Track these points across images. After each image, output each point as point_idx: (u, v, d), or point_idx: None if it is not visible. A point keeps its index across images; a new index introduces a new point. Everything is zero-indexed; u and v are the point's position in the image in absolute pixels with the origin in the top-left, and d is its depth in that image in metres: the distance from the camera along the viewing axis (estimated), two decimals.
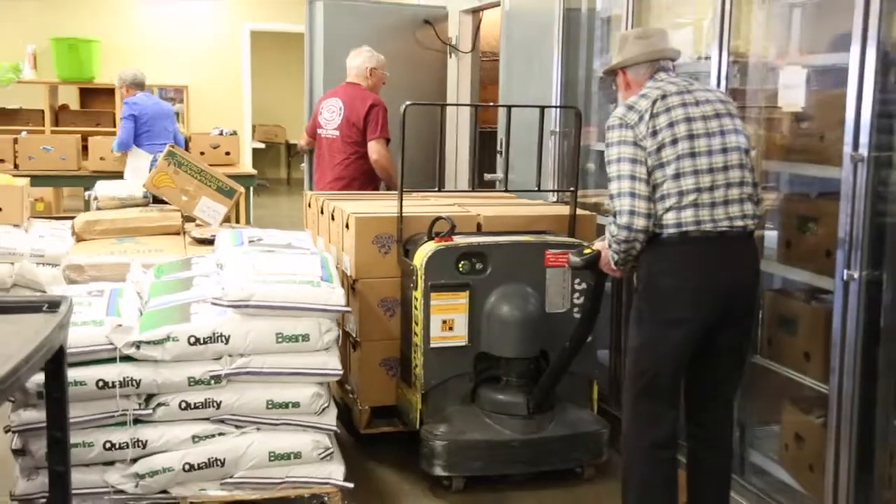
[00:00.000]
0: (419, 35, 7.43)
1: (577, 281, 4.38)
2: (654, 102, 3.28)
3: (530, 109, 5.69)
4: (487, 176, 6.38)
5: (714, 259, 3.29)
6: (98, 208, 5.91)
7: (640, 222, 3.22)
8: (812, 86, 3.57)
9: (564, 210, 4.85)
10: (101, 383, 3.56)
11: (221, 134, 9.63)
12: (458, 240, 4.30)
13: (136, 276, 4.56)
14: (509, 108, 4.96)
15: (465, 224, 4.58)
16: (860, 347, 3.23)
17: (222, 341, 3.69)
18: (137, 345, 3.61)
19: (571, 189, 4.78)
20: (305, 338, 3.79)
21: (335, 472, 3.88)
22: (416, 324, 4.25)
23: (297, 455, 3.82)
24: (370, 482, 4.16)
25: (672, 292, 3.30)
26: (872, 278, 3.17)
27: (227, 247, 4.45)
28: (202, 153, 9.31)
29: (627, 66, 3.48)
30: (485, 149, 7.45)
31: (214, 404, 3.73)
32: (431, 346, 4.23)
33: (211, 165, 9.38)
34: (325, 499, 3.92)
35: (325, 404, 3.87)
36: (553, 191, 5.34)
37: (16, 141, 8.41)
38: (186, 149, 8.27)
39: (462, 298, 4.25)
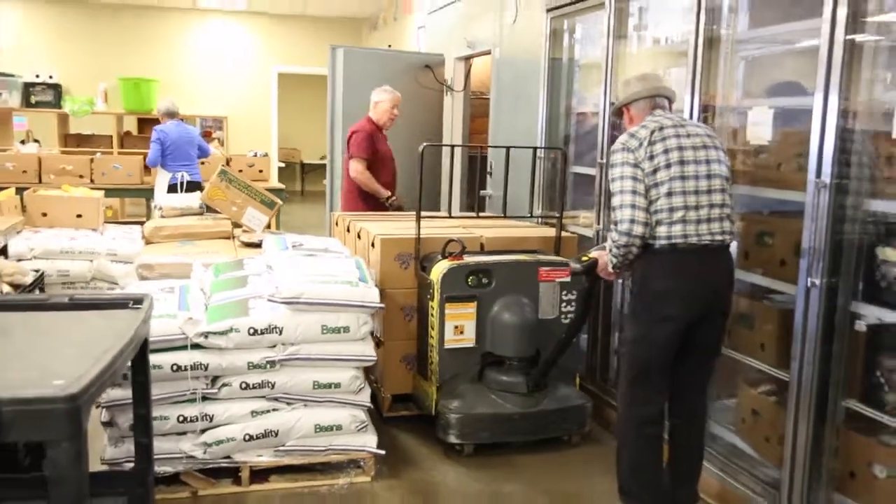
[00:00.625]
0: (420, 77, 7.21)
1: (564, 293, 4.24)
2: (652, 132, 3.14)
3: (522, 137, 5.55)
4: (482, 192, 6.16)
5: (697, 267, 3.16)
6: (162, 216, 5.66)
7: (638, 229, 3.07)
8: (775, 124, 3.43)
9: (550, 231, 4.69)
10: (175, 367, 3.37)
11: (255, 156, 9.39)
12: (468, 259, 4.13)
13: (199, 274, 4.33)
14: (508, 148, 4.73)
15: (471, 244, 4.37)
16: (819, 341, 3.10)
17: (276, 332, 3.47)
18: (206, 335, 3.40)
19: (557, 216, 4.59)
20: (346, 329, 3.58)
21: (369, 441, 3.68)
22: (433, 328, 4.07)
23: (339, 427, 3.61)
24: (395, 451, 3.94)
25: (663, 294, 3.15)
26: (831, 285, 3.04)
27: (274, 250, 4.22)
28: (240, 171, 9.07)
29: (630, 103, 3.31)
30: (473, 169, 7.21)
31: (269, 385, 3.52)
32: (446, 347, 4.06)
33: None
34: (361, 463, 3.71)
35: (362, 385, 3.66)
36: (542, 216, 5.06)
37: (92, 160, 8.12)
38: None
39: (471, 308, 4.09)
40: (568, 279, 4.22)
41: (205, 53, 10.67)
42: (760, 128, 3.40)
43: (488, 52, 6.31)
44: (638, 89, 3.31)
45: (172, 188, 7.11)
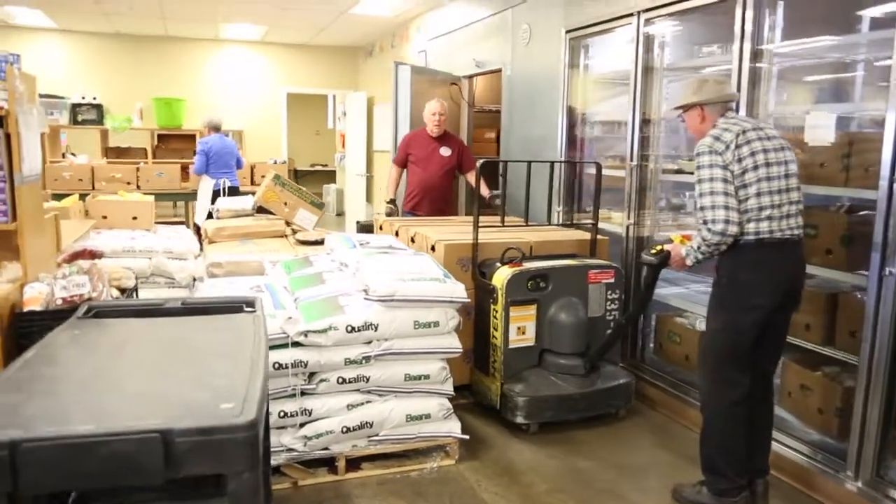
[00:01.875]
0: (449, 91, 6.48)
1: (609, 292, 3.70)
2: (738, 136, 2.63)
3: (536, 145, 4.98)
4: (495, 194, 5.56)
5: (781, 259, 2.68)
6: (218, 217, 4.93)
7: (733, 228, 2.59)
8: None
9: (579, 234, 4.12)
10: (276, 365, 2.73)
11: (275, 163, 8.64)
12: (526, 265, 3.56)
13: (273, 271, 3.67)
14: (552, 163, 4.18)
15: (522, 248, 3.81)
16: (893, 327, 2.66)
17: (372, 329, 2.86)
18: (305, 333, 2.76)
19: (592, 223, 4.01)
20: (436, 324, 2.98)
21: (454, 427, 3.09)
22: (496, 329, 3.50)
23: (427, 416, 3.02)
24: (468, 434, 3.33)
25: (752, 285, 2.66)
26: None
27: (343, 248, 3.58)
28: (263, 176, 8.32)
29: (706, 104, 2.77)
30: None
31: (364, 379, 2.90)
32: (510, 347, 3.51)
33: None
34: (447, 448, 3.12)
35: (448, 375, 3.07)
36: (580, 224, 4.34)
37: (138, 169, 7.28)
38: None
39: (531, 310, 3.54)
40: (612, 280, 3.69)
41: (225, 76, 9.84)
42: (819, 131, 2.88)
43: (497, 71, 5.67)
44: (716, 91, 2.77)
45: (216, 193, 6.45)
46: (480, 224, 3.89)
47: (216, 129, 7.10)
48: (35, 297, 2.41)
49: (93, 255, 2.63)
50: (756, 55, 3.18)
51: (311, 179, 13.09)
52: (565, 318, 3.55)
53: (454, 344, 3.03)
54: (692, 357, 3.85)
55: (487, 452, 3.27)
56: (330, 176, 12.93)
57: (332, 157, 12.56)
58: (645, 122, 3.91)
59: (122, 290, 2.79)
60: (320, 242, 4.43)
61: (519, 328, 3.51)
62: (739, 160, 2.60)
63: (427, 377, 2.99)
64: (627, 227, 4.04)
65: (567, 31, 4.50)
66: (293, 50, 10.02)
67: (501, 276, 3.48)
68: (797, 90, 3.59)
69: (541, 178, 4.87)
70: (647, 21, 3.79)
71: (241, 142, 9.96)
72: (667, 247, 2.93)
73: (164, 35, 9.28)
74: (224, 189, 6.48)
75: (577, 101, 4.60)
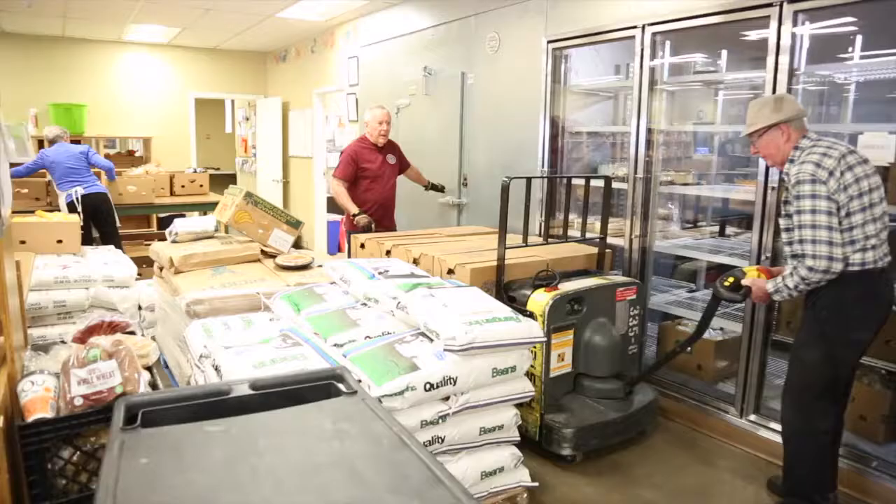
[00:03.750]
0: None
1: (631, 309, 3.28)
2: (839, 161, 2.25)
3: (508, 155, 4.47)
4: (450, 198, 5.01)
5: (882, 289, 2.36)
6: (175, 241, 3.98)
7: (837, 266, 2.22)
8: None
9: (591, 249, 3.63)
10: None
11: (195, 171, 7.49)
12: (563, 288, 3.05)
13: (282, 311, 2.90)
14: (569, 178, 3.64)
15: (539, 267, 3.30)
16: None
17: (451, 383, 2.22)
18: (380, 399, 2.09)
19: (601, 237, 3.56)
20: (513, 369, 2.38)
21: (524, 475, 2.52)
22: (534, 358, 2.93)
23: (501, 469, 2.43)
24: None
25: (857, 318, 2.33)
26: None
27: (361, 280, 2.87)
28: (183, 186, 7.17)
29: (791, 122, 2.37)
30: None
31: (439, 440, 2.26)
32: (550, 376, 3.00)
33: (188, 195, 7.37)
34: (517, 499, 2.56)
35: (518, 420, 2.50)
36: (587, 240, 3.63)
37: (48, 184, 5.91)
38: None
39: (570, 335, 3.04)
40: (635, 297, 3.28)
41: (129, 81, 8.35)
42: (877, 151, 2.58)
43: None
44: (795, 107, 2.39)
45: (70, 206, 5.44)
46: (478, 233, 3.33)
47: (53, 141, 5.80)
48: (41, 399, 1.56)
49: (114, 327, 1.79)
50: (792, 72, 2.85)
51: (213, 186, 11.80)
52: (600, 340, 3.09)
53: (527, 387, 2.46)
54: (705, 366, 3.54)
55: (547, 494, 2.75)
56: (229, 179, 11.67)
57: (227, 161, 11.37)
58: (649, 134, 3.51)
59: (148, 369, 1.96)
60: (306, 267, 3.67)
61: (559, 355, 3.01)
62: (845, 188, 2.22)
63: (501, 428, 2.41)
64: (632, 240, 3.64)
65: (550, 42, 4.01)
66: (202, 54, 8.76)
67: (541, 302, 2.96)
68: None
69: (516, 190, 4.40)
70: (653, 35, 3.39)
71: (148, 149, 8.63)
72: (745, 281, 2.53)
73: (62, 36, 7.72)
74: (78, 199, 5.46)
75: (558, 111, 4.14)
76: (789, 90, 2.82)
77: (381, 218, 4.70)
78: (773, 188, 2.93)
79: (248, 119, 10.43)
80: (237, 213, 3.75)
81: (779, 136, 2.39)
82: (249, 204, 3.78)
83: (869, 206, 2.25)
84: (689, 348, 3.03)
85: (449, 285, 2.78)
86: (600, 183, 3.63)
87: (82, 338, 1.72)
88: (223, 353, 2.30)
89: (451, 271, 3.23)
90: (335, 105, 7.94)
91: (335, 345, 2.46)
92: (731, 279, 2.58)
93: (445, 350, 2.22)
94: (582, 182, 3.65)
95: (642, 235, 3.61)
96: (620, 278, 3.31)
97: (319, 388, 1.71)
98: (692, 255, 3.67)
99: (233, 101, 10.99)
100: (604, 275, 3.38)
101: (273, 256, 3.87)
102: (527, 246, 3.30)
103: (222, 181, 11.79)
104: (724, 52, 3.82)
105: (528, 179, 3.56)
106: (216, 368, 2.25)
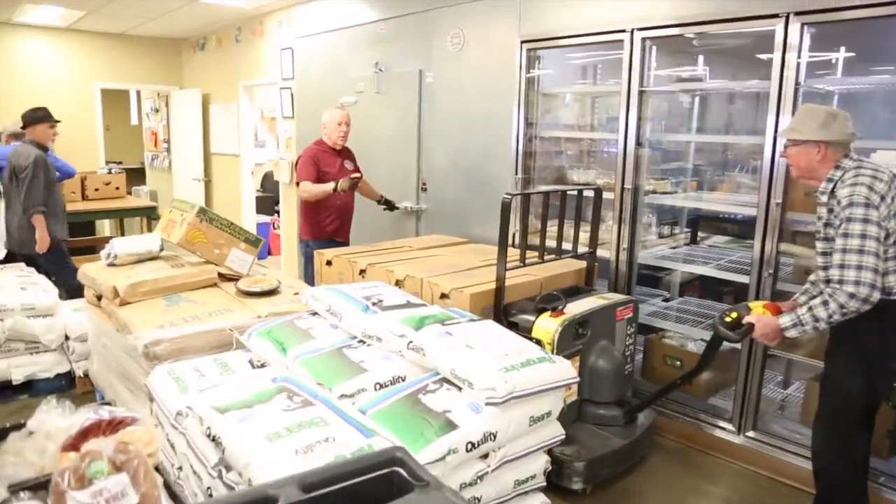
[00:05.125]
0: None
1: (628, 328, 3.13)
2: (890, 186, 2.16)
3: (475, 158, 4.22)
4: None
5: None
6: (111, 264, 3.44)
7: (876, 296, 2.11)
8: None
9: (580, 264, 3.44)
10: None
11: (111, 171, 6.73)
12: (569, 311, 2.85)
13: (264, 352, 2.53)
14: (564, 192, 3.41)
15: (534, 287, 3.11)
16: None
17: (491, 439, 1.98)
18: None
19: (591, 251, 3.41)
20: (549, 414, 2.18)
21: None
22: None
23: None
24: None
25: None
26: None
27: (355, 313, 2.56)
28: (96, 189, 6.42)
29: (832, 143, 2.26)
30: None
31: (476, 501, 2.02)
32: None
33: (104, 200, 6.61)
34: None
35: (549, 467, 2.29)
36: (575, 255, 3.40)
37: None
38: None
39: (577, 361, 2.83)
40: (632, 314, 3.14)
41: (24, 69, 7.36)
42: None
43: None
44: (845, 129, 2.26)
45: None
46: (484, 262, 3.09)
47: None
48: None
49: (114, 425, 1.38)
50: (797, 85, 2.77)
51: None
52: (604, 364, 2.94)
53: (559, 431, 2.26)
54: (696, 381, 3.46)
55: None
56: (137, 175, 10.69)
57: (130, 155, 10.44)
58: (637, 142, 3.38)
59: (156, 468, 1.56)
60: (273, 292, 3.28)
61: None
62: (895, 215, 2.15)
63: (534, 477, 2.20)
64: (619, 252, 3.51)
65: (524, 42, 3.79)
66: (108, 40, 7.85)
67: (549, 329, 2.75)
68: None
69: (478, 192, 4.18)
70: (643, 40, 3.24)
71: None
72: (748, 318, 2.39)
73: None
74: None
75: (533, 115, 3.93)
76: (794, 103, 2.75)
77: (341, 227, 4.36)
78: (777, 203, 2.87)
79: (157, 111, 9.56)
80: (190, 231, 3.29)
81: (814, 153, 2.27)
82: (204, 221, 3.32)
83: None
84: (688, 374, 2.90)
85: (459, 318, 2.52)
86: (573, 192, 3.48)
87: (75, 444, 1.31)
88: (219, 418, 1.93)
89: (444, 295, 2.96)
90: (265, 99, 7.37)
91: (343, 396, 2.15)
92: (733, 314, 2.41)
93: (487, 404, 1.97)
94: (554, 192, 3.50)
95: (630, 248, 3.49)
96: (618, 296, 3.16)
97: (381, 479, 1.42)
98: (687, 269, 3.59)
99: (138, 92, 10.06)
100: (599, 292, 3.23)
101: (230, 279, 3.44)
102: (524, 266, 3.08)
103: (131, 178, 10.87)
104: (719, 60, 3.76)
105: (528, 195, 3.34)
106: (214, 439, 1.88)
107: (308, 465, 1.66)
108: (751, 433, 3.12)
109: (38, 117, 4.70)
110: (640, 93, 3.31)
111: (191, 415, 2.12)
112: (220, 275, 3.47)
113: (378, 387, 2.18)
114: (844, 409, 2.31)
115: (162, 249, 3.57)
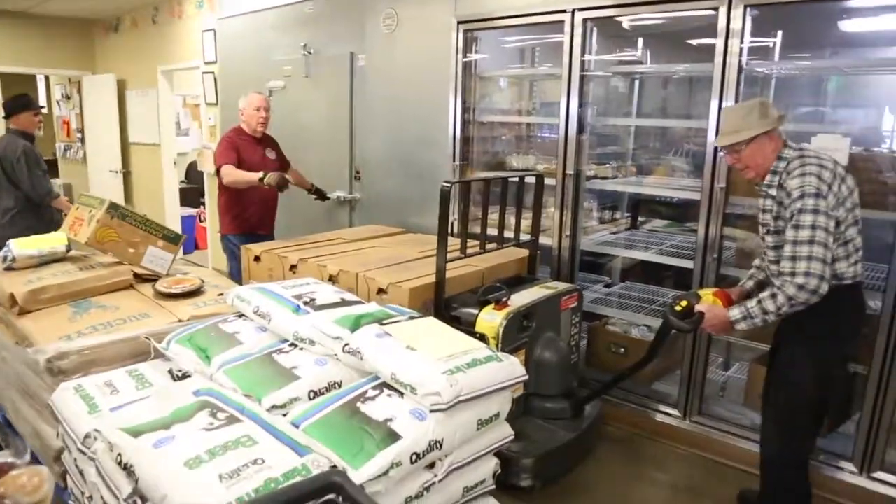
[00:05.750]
0: None
1: (573, 317, 3.06)
2: (834, 174, 2.11)
3: (414, 145, 4.04)
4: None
5: (863, 299, 2.28)
6: (9, 267, 3.09)
7: (825, 288, 2.07)
8: None
9: (522, 253, 3.32)
10: None
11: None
12: (513, 303, 2.73)
13: (185, 360, 2.30)
14: (522, 177, 3.27)
15: (476, 278, 2.98)
16: None
17: (437, 448, 1.81)
18: (362, 486, 1.65)
19: (534, 238, 3.30)
20: (497, 416, 2.03)
21: None
22: None
23: None
24: None
25: (850, 332, 2.25)
26: None
27: (286, 315, 2.34)
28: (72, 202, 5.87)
29: (774, 130, 2.21)
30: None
31: None
32: None
33: None
34: None
35: (499, 470, 2.17)
36: (518, 244, 3.25)
37: None
38: None
39: (523, 355, 2.73)
40: (576, 304, 3.06)
41: None
42: (831, 154, 2.50)
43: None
44: (775, 117, 2.21)
45: None
46: (423, 253, 2.93)
47: None
48: None
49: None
50: (741, 68, 2.72)
51: None
52: (550, 356, 2.85)
53: (508, 432, 2.13)
54: None
55: None
56: (49, 167, 9.98)
57: (43, 146, 9.68)
58: (580, 128, 3.28)
59: None
60: (196, 292, 3.02)
61: None
62: (843, 202, 2.10)
63: (483, 482, 2.07)
64: (561, 239, 3.42)
65: (461, 22, 3.63)
66: (6, 18, 7.19)
67: (493, 323, 2.62)
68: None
69: (415, 180, 4.01)
70: (584, 20, 3.14)
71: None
72: (699, 307, 2.34)
73: None
74: None
75: (470, 99, 3.78)
76: (738, 86, 2.71)
77: (262, 220, 4.11)
78: (721, 187, 2.83)
79: (69, 98, 8.91)
80: (99, 230, 2.99)
81: (767, 144, 2.20)
82: (115, 218, 3.02)
83: (858, 219, 2.16)
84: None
85: (398, 315, 2.35)
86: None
87: None
88: (131, 443, 1.70)
89: (381, 290, 2.79)
90: (187, 85, 6.94)
91: (273, 407, 1.95)
92: (683, 303, 2.35)
93: (432, 410, 1.82)
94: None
95: (572, 234, 3.41)
96: (562, 285, 3.07)
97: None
98: (629, 255, 3.54)
99: (47, 77, 9.34)
100: (542, 281, 3.13)
101: (148, 280, 3.16)
102: (465, 256, 2.94)
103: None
104: (657, 44, 3.70)
105: (468, 182, 3.20)
106: (126, 468, 1.66)
107: (234, 494, 1.47)
108: (697, 417, 3.11)
109: (21, 105, 4.32)
110: (582, 76, 3.21)
111: (100, 438, 1.88)
112: (136, 275, 3.19)
113: (312, 395, 2.00)
114: (798, 401, 2.28)
115: (69, 250, 3.24)
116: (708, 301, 2.34)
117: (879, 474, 2.64)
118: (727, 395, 3.28)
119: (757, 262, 2.51)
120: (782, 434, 2.32)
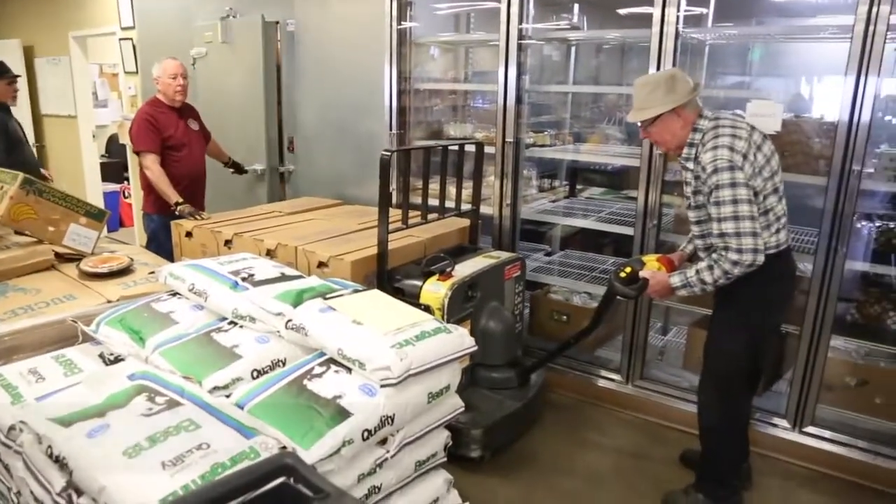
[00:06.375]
0: None
1: (516, 286, 3.07)
2: (749, 143, 2.13)
3: (350, 114, 3.92)
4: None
5: (792, 266, 2.36)
6: None
7: (761, 258, 2.12)
8: None
9: (464, 223, 3.31)
10: None
11: None
12: (457, 274, 2.71)
13: (117, 343, 2.18)
14: (463, 143, 3.28)
15: (418, 249, 2.94)
16: None
17: (389, 423, 1.79)
18: (314, 467, 1.60)
19: (475, 208, 3.27)
20: (447, 389, 2.01)
21: (456, 499, 2.21)
22: None
23: (436, 500, 2.10)
24: None
25: (776, 301, 2.31)
26: None
27: (224, 292, 2.24)
28: None
29: (686, 104, 2.21)
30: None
31: (376, 490, 1.85)
32: None
33: None
34: None
35: (450, 442, 2.16)
36: (459, 213, 3.19)
37: None
38: None
39: (468, 326, 2.72)
40: (520, 273, 3.08)
41: None
42: (764, 119, 2.57)
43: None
44: (688, 86, 2.20)
45: None
46: (362, 225, 2.87)
47: None
48: None
49: None
50: (678, 33, 2.74)
51: None
52: (495, 326, 2.86)
53: (458, 404, 2.12)
54: None
55: None
56: None
57: None
58: (518, 96, 3.26)
59: None
60: (125, 271, 2.86)
61: None
62: (760, 171, 2.13)
63: (435, 455, 2.06)
64: (502, 208, 3.42)
65: None
66: None
67: (438, 294, 2.61)
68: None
69: (351, 150, 3.92)
70: None
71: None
72: (643, 273, 2.36)
73: None
74: None
75: (405, 66, 3.70)
76: (675, 53, 2.74)
77: (191, 200, 3.88)
78: (660, 153, 2.88)
79: None
80: (14, 206, 2.77)
81: (675, 120, 2.21)
82: (31, 194, 2.81)
83: (780, 183, 2.21)
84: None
85: (342, 289, 2.29)
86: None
87: None
88: (62, 433, 1.60)
89: (322, 264, 2.72)
90: (103, 53, 6.51)
91: (215, 388, 1.88)
92: (627, 269, 2.38)
93: (383, 385, 1.79)
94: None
95: (513, 203, 3.41)
96: (505, 254, 3.08)
97: (269, 495, 1.21)
98: (569, 223, 3.57)
99: None
100: (485, 251, 3.13)
101: (71, 259, 2.97)
102: (407, 227, 2.89)
103: None
104: (592, 11, 3.70)
105: (408, 150, 3.11)
106: (58, 460, 1.56)
107: (179, 482, 1.40)
108: (639, 382, 3.20)
109: None
110: (519, 45, 3.18)
111: (26, 430, 1.76)
112: (57, 255, 2.99)
113: (256, 374, 1.93)
114: (731, 369, 2.34)
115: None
116: (652, 267, 2.39)
117: (811, 429, 2.79)
118: (666, 358, 3.39)
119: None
120: (721, 400, 2.39)
